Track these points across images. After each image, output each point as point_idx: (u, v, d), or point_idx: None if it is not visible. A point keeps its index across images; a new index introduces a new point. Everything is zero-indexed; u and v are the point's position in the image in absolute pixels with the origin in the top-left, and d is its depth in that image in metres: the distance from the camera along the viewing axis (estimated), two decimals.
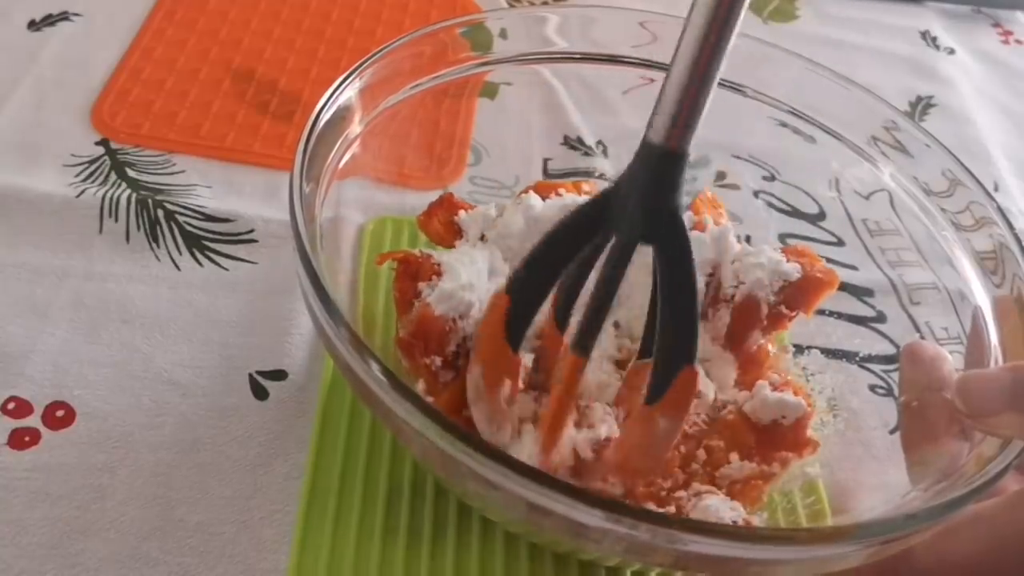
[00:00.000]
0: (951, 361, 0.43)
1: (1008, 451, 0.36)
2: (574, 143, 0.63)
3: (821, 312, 0.52)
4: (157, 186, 0.56)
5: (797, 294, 0.47)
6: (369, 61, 0.46)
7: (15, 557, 0.40)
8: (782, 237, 0.54)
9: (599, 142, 0.62)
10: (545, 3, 0.79)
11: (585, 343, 0.40)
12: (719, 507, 0.39)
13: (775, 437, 0.43)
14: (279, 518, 0.43)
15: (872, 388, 0.48)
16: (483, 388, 0.40)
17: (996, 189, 0.69)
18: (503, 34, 0.52)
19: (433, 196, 0.50)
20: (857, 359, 0.49)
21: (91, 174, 0.56)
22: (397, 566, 0.42)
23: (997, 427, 0.37)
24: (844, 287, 0.48)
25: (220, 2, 0.71)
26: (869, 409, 0.47)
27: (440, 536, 0.43)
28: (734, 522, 0.40)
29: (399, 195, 0.52)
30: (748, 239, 0.55)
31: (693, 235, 0.47)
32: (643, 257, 0.39)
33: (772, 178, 0.55)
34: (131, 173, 0.57)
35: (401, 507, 0.44)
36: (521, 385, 0.42)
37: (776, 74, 0.53)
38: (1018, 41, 0.87)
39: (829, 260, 0.53)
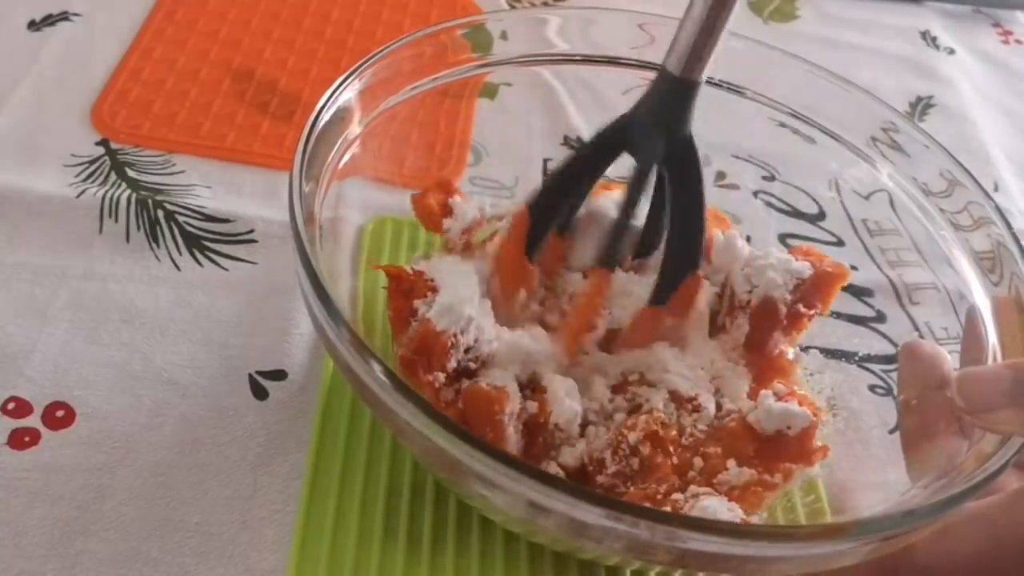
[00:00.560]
0: (950, 360, 0.43)
1: (1007, 448, 0.36)
2: (574, 143, 0.63)
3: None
4: (157, 186, 0.56)
5: (812, 290, 0.47)
6: (369, 61, 0.46)
7: (15, 557, 0.40)
8: (782, 237, 0.54)
9: None
10: (545, 4, 0.79)
11: (611, 258, 0.46)
12: (717, 508, 0.39)
13: (779, 447, 0.43)
14: (279, 518, 0.43)
15: (872, 388, 0.48)
16: (500, 296, 0.46)
17: (996, 189, 0.69)
18: (503, 35, 0.52)
19: None
20: (856, 359, 0.49)
21: (91, 174, 0.56)
22: (397, 566, 0.42)
23: (996, 423, 0.37)
24: (844, 287, 0.48)
25: (220, 2, 0.71)
26: (869, 409, 0.47)
27: (440, 536, 0.43)
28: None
29: (399, 195, 0.52)
30: (748, 239, 0.55)
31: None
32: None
33: (772, 178, 0.55)
34: (131, 173, 0.57)
35: (401, 507, 0.44)
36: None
37: (775, 76, 0.53)
38: (1018, 41, 0.87)
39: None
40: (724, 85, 0.53)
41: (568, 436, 0.43)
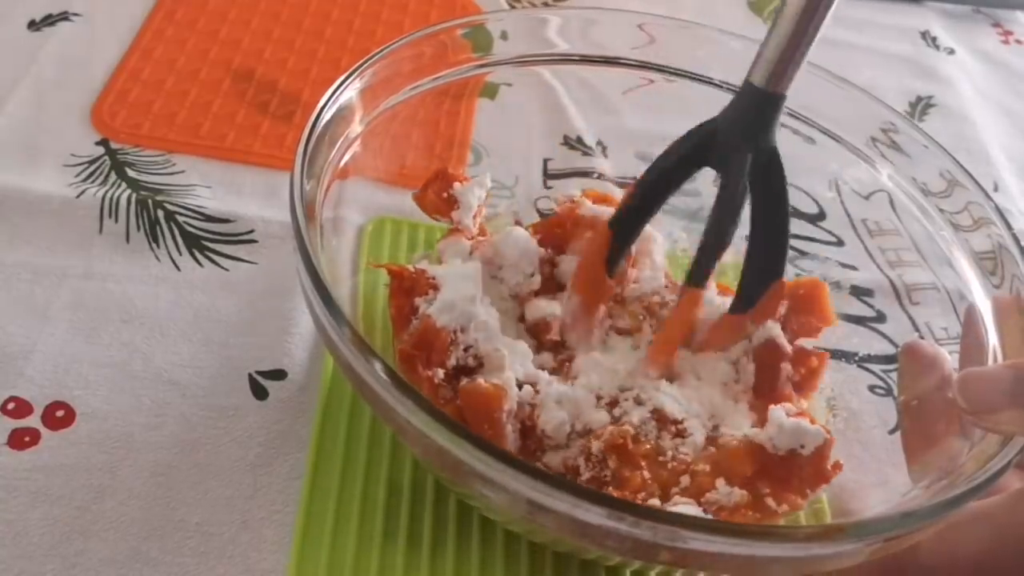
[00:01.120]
0: (950, 361, 0.43)
1: (1008, 449, 0.36)
2: (574, 143, 0.63)
3: None
4: (157, 186, 0.56)
5: (801, 314, 0.48)
6: (370, 61, 0.46)
7: (15, 557, 0.40)
8: None
9: (599, 142, 0.63)
10: (545, 4, 0.79)
11: (700, 277, 0.45)
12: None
13: (791, 468, 0.41)
14: (279, 518, 0.43)
15: (872, 388, 0.48)
16: (579, 313, 0.47)
17: (996, 189, 0.69)
18: (503, 35, 0.52)
19: None
20: (856, 359, 0.49)
21: (91, 174, 0.56)
22: (397, 566, 0.42)
23: (998, 424, 0.37)
24: (843, 288, 0.48)
25: (220, 2, 0.71)
26: (869, 409, 0.47)
27: (440, 536, 0.43)
28: None
29: (399, 195, 0.52)
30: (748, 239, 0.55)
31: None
32: None
33: None
34: (131, 173, 0.57)
35: (401, 507, 0.44)
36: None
37: None
38: (1018, 41, 0.87)
39: (828, 260, 0.53)
40: (724, 85, 0.53)
41: (556, 443, 0.43)
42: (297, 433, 0.46)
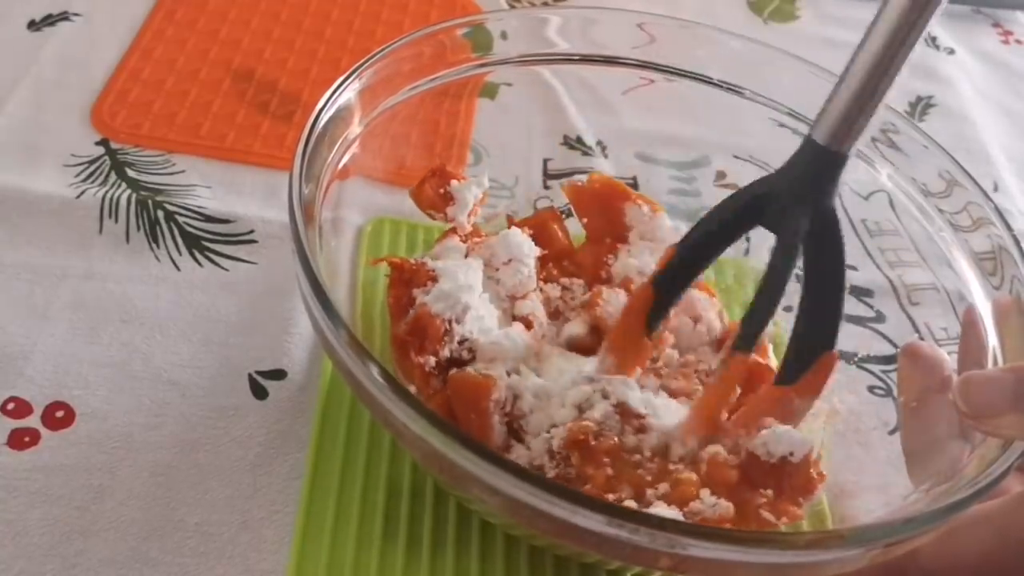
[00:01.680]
0: (950, 362, 0.43)
1: (1010, 453, 0.36)
2: (574, 143, 0.63)
3: None
4: (157, 186, 0.56)
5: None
6: (369, 62, 0.46)
7: (14, 557, 0.40)
8: None
9: (599, 142, 0.62)
10: (545, 4, 0.79)
11: (749, 342, 0.42)
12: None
13: (781, 477, 0.41)
14: (279, 518, 0.43)
15: (871, 389, 0.48)
16: (615, 374, 0.43)
17: (996, 189, 0.69)
18: (503, 35, 0.52)
19: None
20: (856, 359, 0.49)
21: (91, 174, 0.56)
22: (397, 567, 0.42)
23: (999, 428, 0.37)
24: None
25: (220, 2, 0.71)
26: (868, 410, 0.47)
27: (440, 537, 0.43)
28: None
29: (399, 196, 0.52)
30: (748, 239, 0.55)
31: None
32: None
33: None
34: (131, 173, 0.57)
35: (401, 507, 0.44)
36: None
37: (775, 76, 0.53)
38: (1018, 41, 0.87)
39: None
40: (724, 85, 0.53)
41: (533, 436, 0.43)
42: (297, 433, 0.46)
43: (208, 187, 0.57)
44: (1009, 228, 0.44)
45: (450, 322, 0.43)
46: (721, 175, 0.57)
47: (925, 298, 0.49)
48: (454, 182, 0.50)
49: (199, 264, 0.53)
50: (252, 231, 0.55)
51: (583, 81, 0.61)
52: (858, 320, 0.51)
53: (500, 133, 0.61)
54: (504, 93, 0.57)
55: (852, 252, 0.52)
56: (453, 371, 0.43)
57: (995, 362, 0.41)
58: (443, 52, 0.50)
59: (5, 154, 0.57)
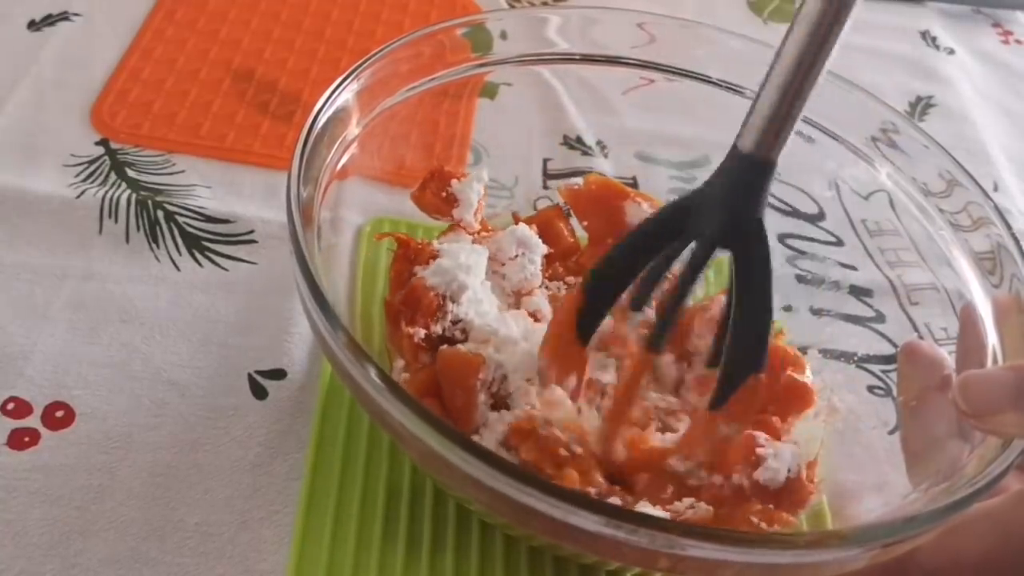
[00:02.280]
0: (950, 361, 0.43)
1: (1009, 451, 0.36)
2: (574, 143, 0.63)
3: (820, 312, 0.52)
4: (157, 186, 0.56)
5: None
6: (369, 61, 0.46)
7: (14, 557, 0.40)
8: (781, 237, 0.54)
9: (599, 142, 0.62)
10: (545, 4, 0.79)
11: (658, 342, 0.41)
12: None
13: (780, 492, 0.41)
14: (278, 519, 0.43)
15: (871, 389, 0.48)
16: (551, 380, 0.42)
17: (995, 189, 0.69)
18: (503, 35, 0.52)
19: None
20: (855, 359, 0.49)
21: (91, 174, 0.56)
22: (396, 567, 0.42)
23: (999, 426, 0.37)
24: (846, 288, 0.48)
25: (220, 2, 0.71)
26: (868, 410, 0.47)
27: (440, 537, 0.43)
28: None
29: (398, 196, 0.52)
30: None
31: None
32: None
33: None
34: (131, 173, 0.57)
35: (400, 507, 0.44)
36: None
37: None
38: (1018, 41, 0.87)
39: (828, 259, 0.53)
40: (724, 85, 0.53)
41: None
42: (297, 433, 0.46)
43: (208, 187, 0.57)
44: (1009, 227, 0.44)
45: (444, 298, 0.43)
46: None
47: (925, 298, 0.49)
48: (454, 182, 0.50)
49: (199, 264, 0.53)
50: (252, 231, 0.55)
51: (583, 81, 0.61)
52: (858, 320, 0.51)
53: (500, 133, 0.61)
54: (504, 93, 0.57)
55: (852, 252, 0.52)
56: (443, 347, 0.43)
57: (995, 361, 0.41)
58: (443, 52, 0.50)
59: (5, 154, 0.57)
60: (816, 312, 0.52)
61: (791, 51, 0.35)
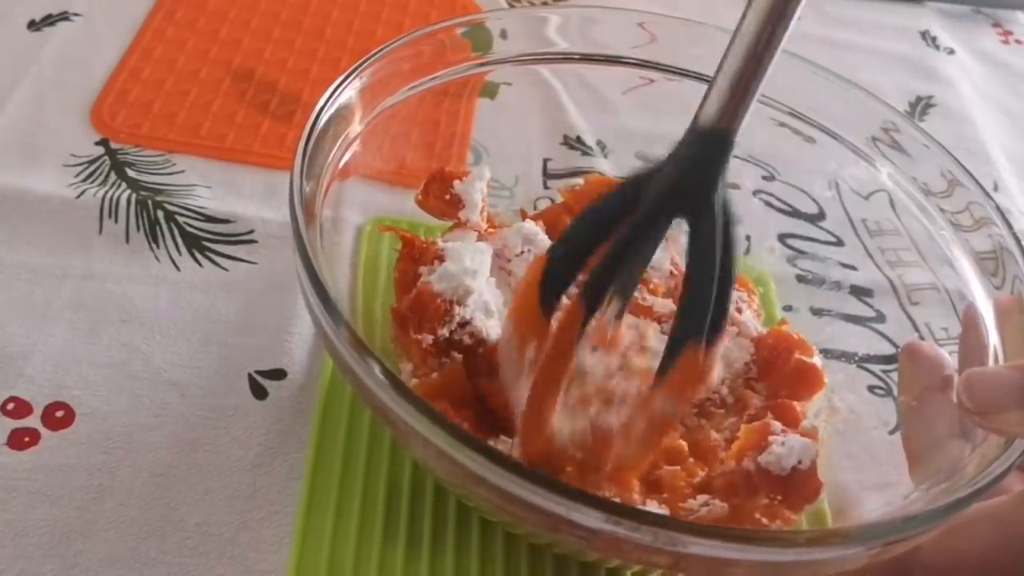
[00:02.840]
0: (951, 361, 0.43)
1: (1011, 451, 0.36)
2: (574, 143, 0.63)
3: (820, 312, 0.52)
4: (157, 186, 0.56)
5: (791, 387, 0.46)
6: (369, 61, 0.46)
7: (14, 558, 0.40)
8: (782, 237, 0.54)
9: (599, 142, 0.62)
10: (545, 3, 0.79)
11: (591, 298, 0.39)
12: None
13: (789, 484, 0.41)
14: (279, 518, 0.43)
15: (871, 389, 0.48)
16: (514, 348, 0.40)
17: (996, 189, 0.69)
18: (503, 34, 0.52)
19: None
20: (856, 359, 0.49)
21: (91, 174, 0.56)
22: (397, 566, 0.42)
23: (1003, 425, 0.37)
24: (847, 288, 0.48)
25: (220, 2, 0.71)
26: (868, 410, 0.47)
27: (440, 536, 0.43)
28: None
29: (399, 195, 0.52)
30: (748, 239, 0.55)
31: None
32: None
33: (772, 178, 0.55)
34: (131, 173, 0.57)
35: (401, 507, 0.44)
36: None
37: (775, 76, 0.52)
38: (1018, 41, 0.87)
39: (828, 259, 0.53)
40: None
41: None
42: (297, 433, 0.46)
43: (208, 187, 0.57)
44: (1010, 227, 0.44)
45: (451, 303, 0.43)
46: None
47: (925, 298, 0.49)
48: (456, 183, 0.50)
49: (199, 264, 0.53)
50: (252, 231, 0.55)
51: (583, 81, 0.61)
52: (858, 320, 0.51)
53: (500, 133, 0.61)
54: (504, 92, 0.56)
55: (852, 252, 0.52)
56: (456, 356, 0.43)
57: (996, 361, 0.41)
58: (443, 51, 0.50)
59: (5, 154, 0.56)
60: (817, 312, 0.52)
61: (750, 27, 0.36)
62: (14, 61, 0.63)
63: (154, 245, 0.53)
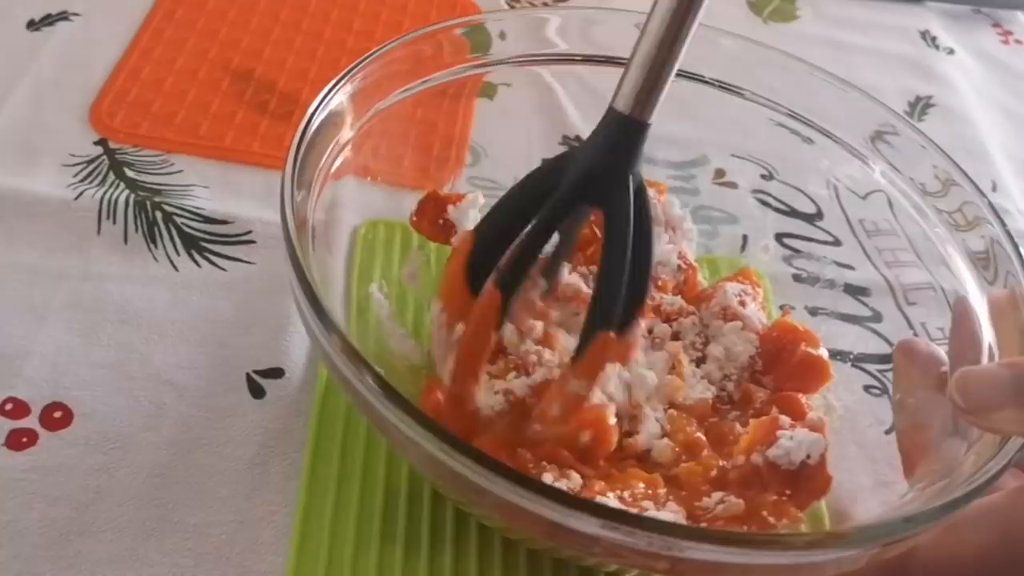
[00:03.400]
0: (946, 360, 0.43)
1: (1007, 449, 0.36)
2: (573, 143, 0.63)
3: (816, 311, 0.52)
4: (155, 186, 0.56)
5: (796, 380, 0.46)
6: (367, 61, 0.46)
7: (12, 558, 0.40)
8: (779, 236, 0.54)
9: None
10: (545, 4, 0.79)
11: (507, 284, 0.41)
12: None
13: (799, 479, 0.41)
14: (277, 519, 0.43)
15: (867, 388, 0.48)
16: (442, 327, 0.42)
17: (994, 189, 0.69)
18: (502, 35, 0.52)
19: None
20: (852, 358, 0.49)
21: (89, 174, 0.56)
22: (395, 567, 0.42)
23: (997, 423, 0.37)
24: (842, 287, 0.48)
25: (219, 2, 0.71)
26: (864, 409, 0.47)
27: (438, 537, 0.43)
28: None
29: (397, 196, 0.52)
30: (745, 238, 0.55)
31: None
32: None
33: (770, 177, 0.55)
34: (129, 173, 0.57)
35: (399, 508, 0.44)
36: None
37: (775, 76, 0.53)
38: (1018, 41, 0.87)
39: (825, 259, 0.53)
40: (723, 85, 0.53)
41: None
42: (295, 432, 0.46)
43: (206, 187, 0.57)
44: (1003, 224, 0.44)
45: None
46: (720, 173, 0.57)
47: (921, 297, 0.49)
48: (451, 208, 0.49)
49: (197, 265, 0.53)
50: (250, 231, 0.55)
51: (583, 81, 0.61)
52: (854, 319, 0.51)
53: (499, 133, 0.61)
54: (503, 93, 0.57)
55: (849, 251, 0.52)
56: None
57: (990, 357, 0.41)
58: (442, 52, 0.50)
59: (3, 154, 0.57)
60: (813, 311, 0.52)
61: (661, 12, 0.37)
62: (13, 61, 0.63)
63: (152, 246, 0.53)
